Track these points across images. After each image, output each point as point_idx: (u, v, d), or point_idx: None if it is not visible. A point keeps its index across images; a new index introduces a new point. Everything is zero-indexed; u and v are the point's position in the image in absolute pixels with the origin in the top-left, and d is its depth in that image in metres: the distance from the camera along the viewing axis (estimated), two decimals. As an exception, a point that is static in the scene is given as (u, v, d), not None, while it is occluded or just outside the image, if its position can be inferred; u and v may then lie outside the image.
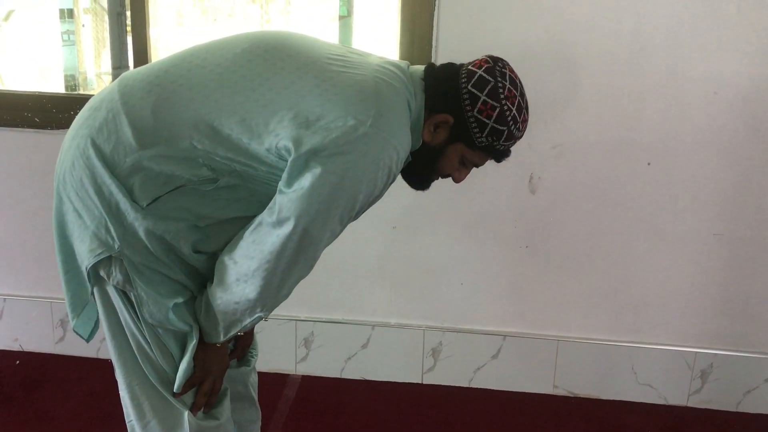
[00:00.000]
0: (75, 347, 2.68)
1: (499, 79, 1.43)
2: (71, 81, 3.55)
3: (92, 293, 1.45)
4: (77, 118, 1.48)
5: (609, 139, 2.35)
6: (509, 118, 1.43)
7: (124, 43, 3.14)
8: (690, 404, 2.51)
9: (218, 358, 1.51)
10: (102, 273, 1.40)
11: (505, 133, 1.45)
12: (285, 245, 1.34)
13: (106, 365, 1.59)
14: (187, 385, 1.47)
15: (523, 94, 1.47)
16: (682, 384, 2.50)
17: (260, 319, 1.44)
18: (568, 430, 2.39)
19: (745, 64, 2.26)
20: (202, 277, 1.48)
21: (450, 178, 1.56)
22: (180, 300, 1.44)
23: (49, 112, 2.50)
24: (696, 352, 2.47)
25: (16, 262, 2.66)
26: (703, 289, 2.45)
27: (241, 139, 1.35)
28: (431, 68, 1.51)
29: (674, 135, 2.33)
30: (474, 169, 1.54)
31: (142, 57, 2.42)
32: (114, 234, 1.37)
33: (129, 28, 2.55)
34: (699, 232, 2.40)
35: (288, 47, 1.44)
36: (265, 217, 1.35)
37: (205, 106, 1.36)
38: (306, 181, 1.31)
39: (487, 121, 1.43)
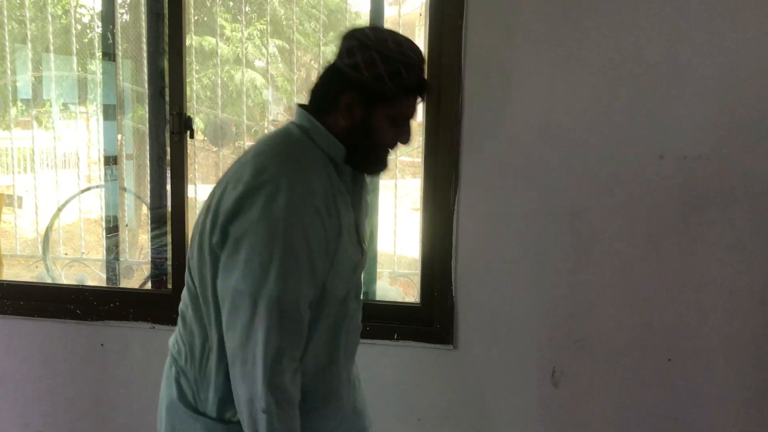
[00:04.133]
0: None
1: (360, 35, 1.47)
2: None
3: None
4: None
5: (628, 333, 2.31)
6: (394, 53, 1.45)
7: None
8: None
9: None
10: None
11: (400, 64, 1.45)
12: (249, 325, 1.38)
13: None
14: None
15: (388, 31, 1.50)
16: None
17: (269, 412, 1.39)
18: None
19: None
20: None
21: (399, 146, 1.58)
22: None
23: (90, 305, 2.65)
24: None
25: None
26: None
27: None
28: (308, 92, 1.56)
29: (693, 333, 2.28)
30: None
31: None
32: None
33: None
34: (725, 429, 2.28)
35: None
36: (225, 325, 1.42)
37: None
38: (232, 262, 1.39)
39: (378, 70, 1.44)
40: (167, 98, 2.56)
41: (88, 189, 5.08)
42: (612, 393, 2.34)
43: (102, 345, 2.62)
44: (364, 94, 1.47)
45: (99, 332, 2.63)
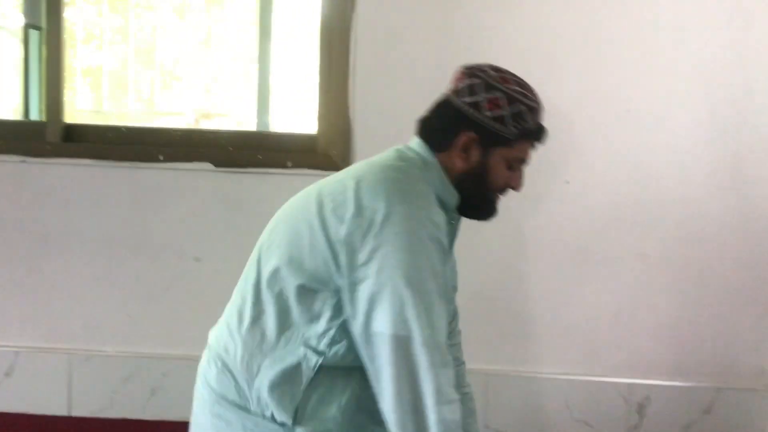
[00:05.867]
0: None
1: (481, 74, 1.42)
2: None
3: None
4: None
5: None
6: (518, 95, 1.41)
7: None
8: (630, 441, 2.37)
9: None
10: None
11: (524, 109, 1.41)
12: (395, 363, 1.26)
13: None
14: None
15: (508, 71, 1.45)
16: (619, 419, 2.35)
17: None
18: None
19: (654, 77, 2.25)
20: None
21: (509, 192, 1.51)
22: None
23: None
24: (631, 384, 2.33)
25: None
26: (632, 315, 2.34)
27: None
28: (419, 123, 1.50)
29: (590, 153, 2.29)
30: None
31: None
32: None
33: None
34: (624, 254, 2.32)
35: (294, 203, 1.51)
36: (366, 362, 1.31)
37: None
38: (363, 296, 1.28)
39: (502, 112, 1.40)
40: None
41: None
42: (506, 214, 2.32)
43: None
44: (484, 136, 1.41)
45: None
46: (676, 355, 2.34)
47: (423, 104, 2.22)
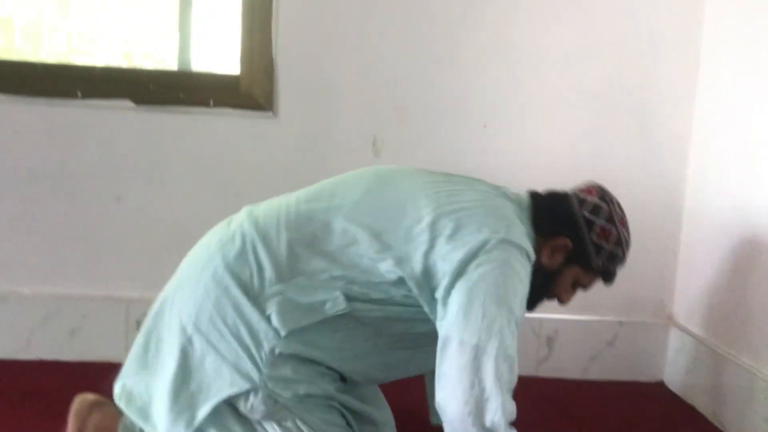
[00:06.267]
0: None
1: (612, 205, 1.56)
2: None
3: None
4: (201, 248, 1.51)
5: (449, 100, 2.35)
6: (624, 242, 1.56)
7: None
8: (540, 373, 2.48)
9: None
10: (241, 407, 1.38)
11: (620, 255, 1.57)
12: (462, 367, 1.32)
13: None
14: None
15: (626, 218, 1.60)
16: (530, 352, 2.48)
17: None
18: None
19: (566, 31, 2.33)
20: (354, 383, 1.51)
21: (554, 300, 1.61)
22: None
23: None
24: (541, 318, 2.45)
25: None
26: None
27: (377, 267, 1.39)
28: (536, 194, 1.59)
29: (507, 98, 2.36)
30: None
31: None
32: (258, 364, 1.36)
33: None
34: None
35: (404, 178, 1.54)
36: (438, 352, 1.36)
37: (344, 239, 1.41)
38: (455, 300, 1.34)
39: (605, 245, 1.53)
40: None
41: None
42: (432, 161, 2.37)
43: None
44: (577, 251, 1.53)
45: None
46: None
47: (346, 45, 2.28)
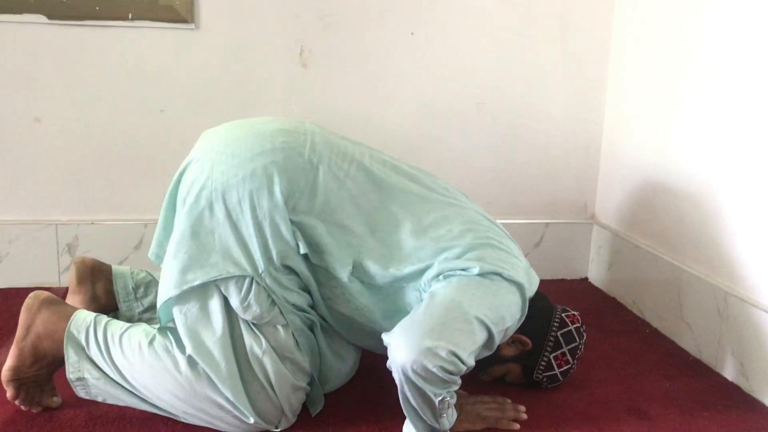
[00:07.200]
0: None
1: (581, 341, 1.68)
2: None
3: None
4: (261, 132, 1.49)
5: (375, 8, 2.32)
6: (569, 373, 1.69)
7: None
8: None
9: None
10: (233, 299, 1.43)
11: (558, 380, 1.69)
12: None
13: None
14: None
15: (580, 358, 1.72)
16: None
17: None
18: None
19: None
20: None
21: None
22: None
23: None
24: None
25: None
26: (474, 159, 2.50)
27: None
28: (539, 292, 1.65)
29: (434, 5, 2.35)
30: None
31: None
32: (266, 257, 1.42)
33: None
34: (464, 107, 2.46)
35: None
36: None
37: (391, 222, 1.50)
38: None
39: (555, 368, 1.66)
40: None
41: None
42: (360, 71, 2.37)
43: None
44: (530, 357, 1.65)
45: None
46: (510, 196, 2.55)
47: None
